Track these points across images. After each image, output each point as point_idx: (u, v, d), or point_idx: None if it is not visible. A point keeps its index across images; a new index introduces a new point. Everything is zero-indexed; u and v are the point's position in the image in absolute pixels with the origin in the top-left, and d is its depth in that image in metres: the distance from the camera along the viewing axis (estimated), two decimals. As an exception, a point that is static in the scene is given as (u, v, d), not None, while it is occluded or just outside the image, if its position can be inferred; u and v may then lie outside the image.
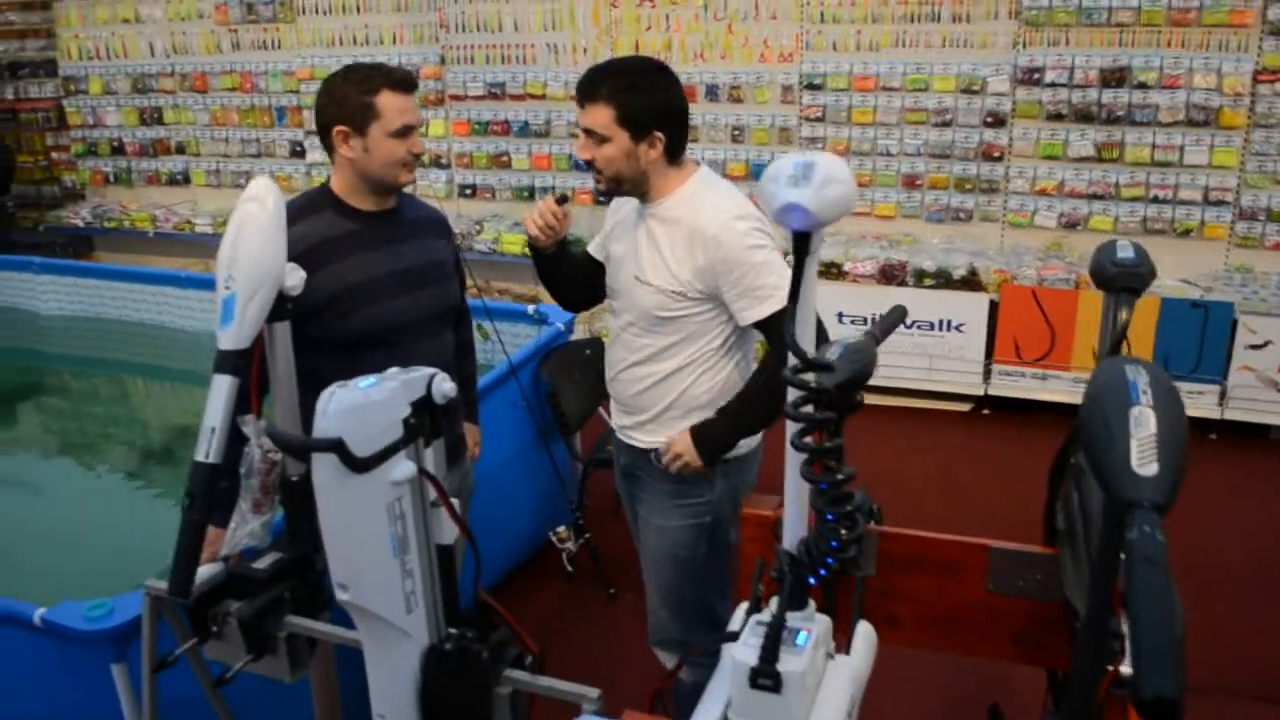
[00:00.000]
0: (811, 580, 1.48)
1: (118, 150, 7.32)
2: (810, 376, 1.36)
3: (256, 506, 1.96)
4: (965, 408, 5.16)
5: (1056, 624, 2.05)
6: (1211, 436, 4.77)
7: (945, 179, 5.28)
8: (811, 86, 5.39)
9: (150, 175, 7.27)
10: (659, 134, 2.19)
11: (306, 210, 2.26)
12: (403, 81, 2.23)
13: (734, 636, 1.49)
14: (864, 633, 1.65)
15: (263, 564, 1.88)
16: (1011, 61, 5.03)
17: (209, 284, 5.21)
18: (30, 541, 3.66)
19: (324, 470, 1.33)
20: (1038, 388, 5.00)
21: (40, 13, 7.25)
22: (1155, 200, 4.96)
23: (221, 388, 1.77)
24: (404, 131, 2.22)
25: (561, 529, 3.68)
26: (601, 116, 2.16)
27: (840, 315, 5.05)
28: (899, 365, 4.93)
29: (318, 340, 2.20)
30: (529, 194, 6.17)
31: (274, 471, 1.94)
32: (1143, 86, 4.84)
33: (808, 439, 1.40)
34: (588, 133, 2.20)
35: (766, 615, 1.53)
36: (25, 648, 2.19)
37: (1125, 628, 1.48)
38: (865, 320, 5.11)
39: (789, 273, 2.18)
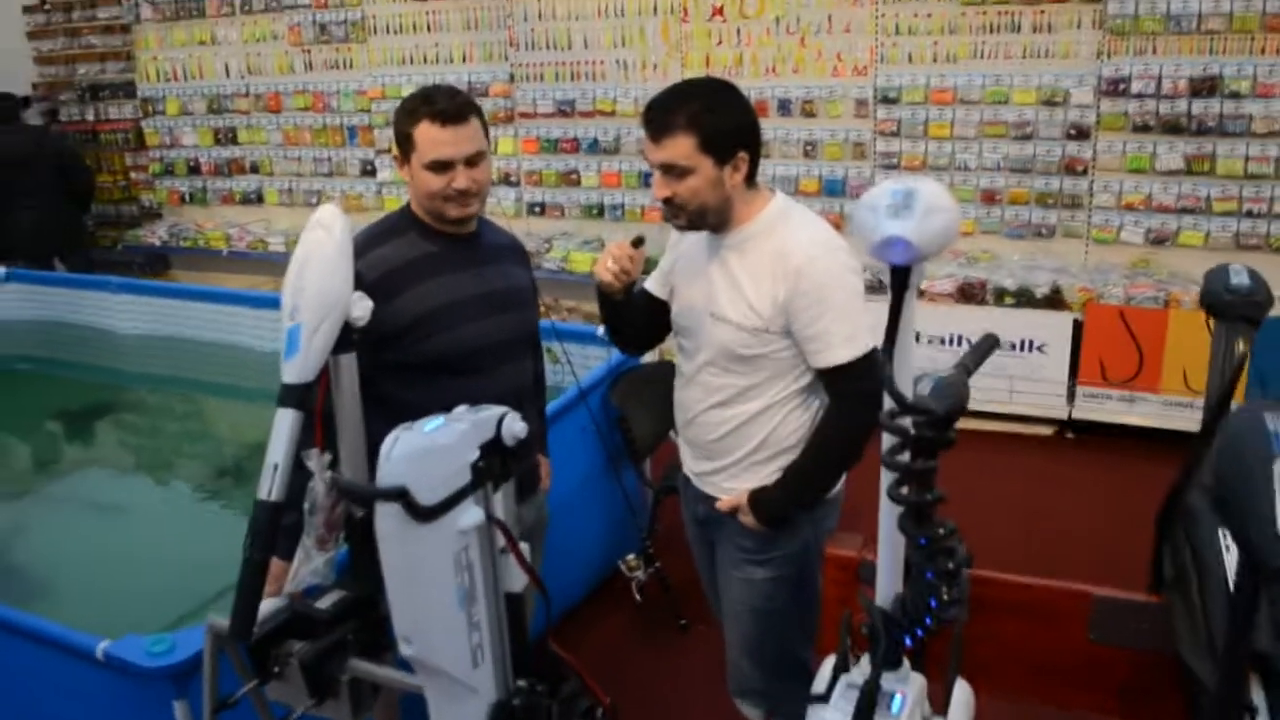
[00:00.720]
0: (907, 641, 1.37)
1: (194, 170, 7.43)
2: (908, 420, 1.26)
3: (321, 543, 1.90)
4: (1048, 431, 4.96)
5: (1165, 677, 1.92)
6: None
7: (1026, 194, 5.09)
8: (887, 100, 5.25)
9: (225, 194, 7.37)
10: (743, 154, 2.06)
11: (388, 233, 2.23)
12: (443, 113, 2.12)
13: (823, 698, 1.40)
14: (962, 694, 1.54)
15: (326, 603, 1.82)
16: (1096, 72, 4.83)
17: (280, 303, 5.24)
18: (108, 559, 3.67)
19: (387, 519, 1.26)
20: (1125, 411, 4.79)
21: (120, 36, 7.41)
22: (1249, 214, 4.72)
23: (285, 423, 1.72)
24: (439, 166, 2.14)
25: (631, 557, 3.59)
26: (682, 147, 2.01)
27: (917, 336, 4.88)
28: (978, 387, 4.69)
29: (398, 366, 2.15)
30: (598, 211, 6.11)
31: (339, 507, 1.88)
32: (1235, 96, 4.62)
33: (904, 488, 1.30)
34: (665, 169, 2.05)
35: (857, 675, 1.43)
36: (88, 680, 2.17)
37: (1257, 699, 1.36)
38: (944, 341, 4.95)
39: (867, 319, 2.08)
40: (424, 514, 1.25)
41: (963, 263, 5.13)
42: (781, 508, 2.16)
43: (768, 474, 2.19)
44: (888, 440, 1.29)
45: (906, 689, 1.37)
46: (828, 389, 2.13)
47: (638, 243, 2.21)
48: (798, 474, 2.15)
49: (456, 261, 2.24)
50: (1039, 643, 1.99)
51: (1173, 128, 4.73)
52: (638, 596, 3.59)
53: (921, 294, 4.92)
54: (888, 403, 1.28)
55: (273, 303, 5.20)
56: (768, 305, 2.07)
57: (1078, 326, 4.79)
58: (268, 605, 1.79)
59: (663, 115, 2.04)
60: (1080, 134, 4.91)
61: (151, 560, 3.66)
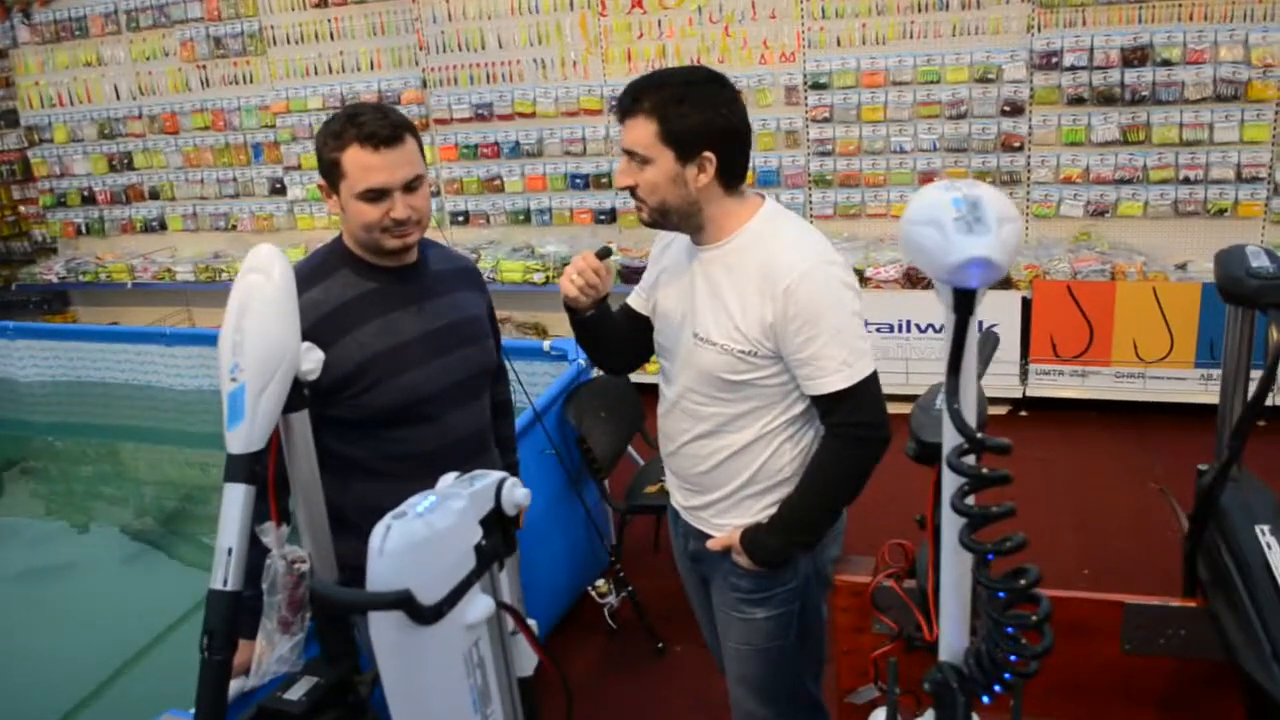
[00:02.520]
0: (985, 699, 1.22)
1: (88, 199, 7.01)
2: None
3: (284, 626, 1.68)
4: (1002, 410, 4.90)
5: (1206, 684, 1.82)
6: (1260, 423, 4.53)
7: (964, 173, 5.01)
8: (817, 86, 5.13)
9: (124, 223, 6.96)
10: (709, 155, 1.85)
11: (319, 273, 1.98)
12: (372, 136, 1.89)
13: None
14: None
15: (296, 694, 1.60)
16: (1027, 46, 4.77)
17: (195, 339, 4.94)
18: (27, 622, 3.41)
19: (385, 629, 1.05)
20: (1077, 386, 4.76)
21: (-3, 62, 6.95)
22: (1186, 181, 4.72)
23: (236, 500, 1.49)
24: (373, 194, 1.91)
25: (600, 582, 3.40)
26: (642, 133, 1.85)
27: (865, 324, 4.79)
28: (929, 371, 4.67)
29: (341, 421, 1.94)
30: (525, 217, 5.89)
31: (303, 585, 1.66)
32: (1167, 64, 4.60)
33: (972, 530, 1.14)
34: (629, 154, 1.89)
35: (922, 738, 1.27)
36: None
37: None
38: (891, 328, 4.85)
39: (864, 341, 1.89)
40: (430, 615, 1.05)
41: (905, 247, 5.04)
42: (776, 551, 1.98)
43: (761, 509, 2.02)
44: (954, 481, 1.12)
45: (985, 751, 1.21)
46: (822, 419, 1.95)
47: (604, 254, 2.03)
48: (791, 514, 1.97)
49: (398, 298, 2.02)
50: (1070, 658, 1.86)
51: (1107, 99, 4.70)
52: (611, 623, 3.41)
53: (866, 281, 4.83)
54: (949, 434, 1.11)
55: (185, 339, 4.91)
56: (755, 327, 1.88)
57: (1026, 304, 4.74)
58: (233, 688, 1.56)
59: (630, 97, 1.87)
60: (1015, 110, 4.86)
61: (73, 619, 3.38)
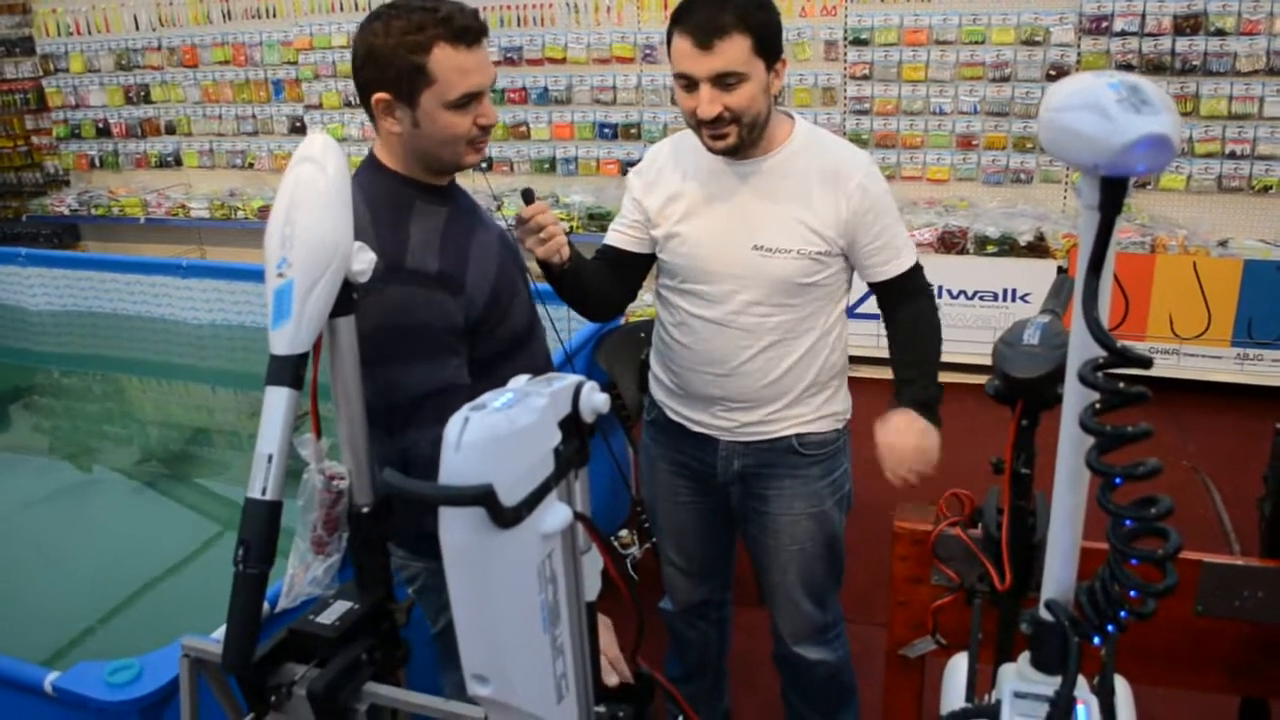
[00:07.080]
0: (1095, 639, 1.13)
1: (103, 132, 6.89)
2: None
3: (319, 546, 1.58)
4: (1031, 383, 4.80)
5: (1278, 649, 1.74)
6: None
7: (1003, 138, 4.90)
8: (858, 41, 4.99)
9: (139, 158, 6.84)
10: (784, 58, 1.91)
11: (402, 211, 1.74)
12: (465, 31, 1.63)
13: (991, 712, 1.15)
14: (1124, 692, 1.31)
15: (329, 618, 1.51)
16: (1077, 9, 4.64)
17: (212, 272, 4.83)
18: (26, 566, 3.33)
19: (459, 530, 0.95)
20: (1110, 360, 4.65)
21: (15, -13, 6.81)
22: (1231, 156, 4.60)
23: (279, 403, 1.40)
24: (466, 100, 1.66)
25: (624, 533, 3.32)
26: (739, 50, 1.79)
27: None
28: (961, 340, 4.55)
29: (471, 361, 1.76)
30: (550, 166, 5.77)
31: (340, 503, 1.57)
32: (1220, 33, 4.47)
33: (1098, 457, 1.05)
34: (716, 80, 1.80)
35: (1018, 682, 1.19)
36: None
37: None
38: (924, 293, 4.76)
39: None
40: (509, 517, 0.95)
41: (940, 211, 4.93)
42: (939, 397, 2.06)
43: (819, 405, 2.10)
44: (1084, 398, 1.03)
45: (1087, 698, 1.13)
46: (895, 296, 2.05)
47: (529, 197, 1.90)
48: (932, 366, 2.06)
49: (467, 217, 1.83)
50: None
51: (1156, 67, 4.57)
52: (634, 575, 3.33)
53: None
54: (1086, 349, 1.02)
55: (203, 271, 4.80)
56: (830, 227, 1.95)
57: (1062, 274, 4.62)
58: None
59: (711, 15, 1.78)
60: (1060, 74, 4.71)
61: (77, 565, 3.31)
